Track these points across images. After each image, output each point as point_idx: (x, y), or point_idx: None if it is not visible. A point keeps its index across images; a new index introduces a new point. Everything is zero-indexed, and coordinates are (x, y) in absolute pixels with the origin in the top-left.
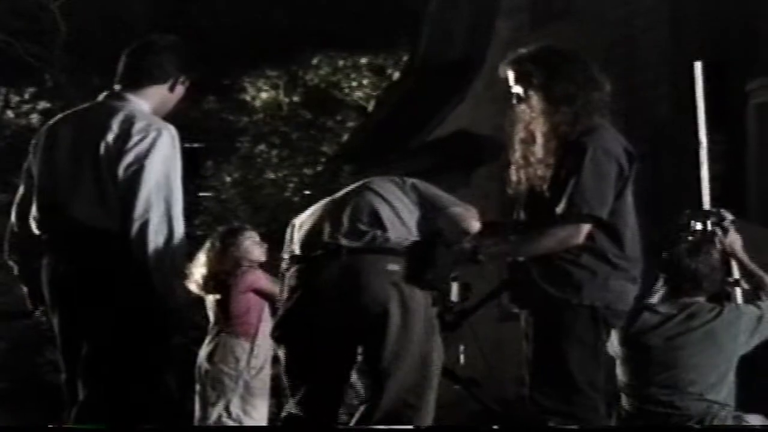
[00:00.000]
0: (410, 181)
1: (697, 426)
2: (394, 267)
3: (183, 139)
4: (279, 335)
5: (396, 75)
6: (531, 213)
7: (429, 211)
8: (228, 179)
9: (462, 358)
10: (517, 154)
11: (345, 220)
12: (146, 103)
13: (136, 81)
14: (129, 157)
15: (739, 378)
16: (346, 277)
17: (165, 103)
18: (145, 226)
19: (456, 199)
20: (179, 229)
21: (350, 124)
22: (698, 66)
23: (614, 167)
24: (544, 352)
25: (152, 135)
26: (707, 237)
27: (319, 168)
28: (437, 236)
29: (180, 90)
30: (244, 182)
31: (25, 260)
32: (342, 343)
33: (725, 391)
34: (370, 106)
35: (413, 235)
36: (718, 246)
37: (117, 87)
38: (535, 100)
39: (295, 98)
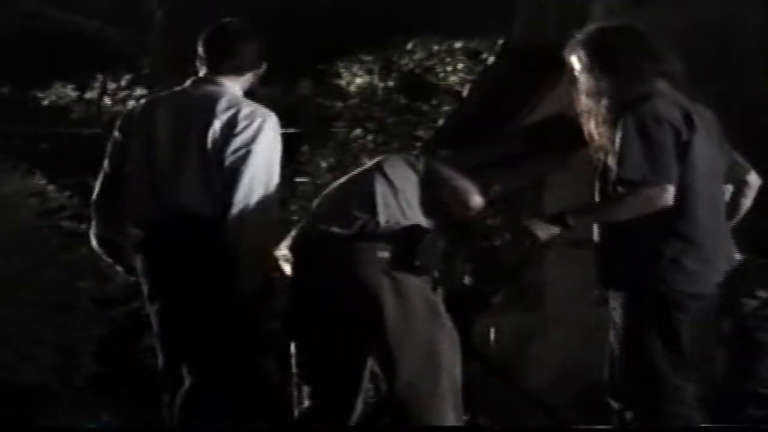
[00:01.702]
0: (424, 158)
1: None
2: (384, 254)
3: (280, 125)
4: (287, 329)
5: (490, 59)
6: (603, 191)
7: (433, 186)
8: (323, 164)
9: (492, 340)
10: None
11: (343, 204)
12: (239, 89)
13: (234, 67)
14: (236, 143)
15: None
16: (339, 267)
17: (249, 86)
18: (244, 211)
19: (460, 175)
20: (275, 215)
21: (445, 108)
22: None
23: (666, 131)
24: (621, 338)
25: (258, 121)
26: None
27: (415, 152)
28: (438, 215)
29: (260, 74)
30: (340, 167)
31: (113, 241)
32: (347, 335)
33: None
34: (465, 91)
35: (409, 219)
36: None
37: (206, 71)
38: (583, 79)
39: (390, 83)
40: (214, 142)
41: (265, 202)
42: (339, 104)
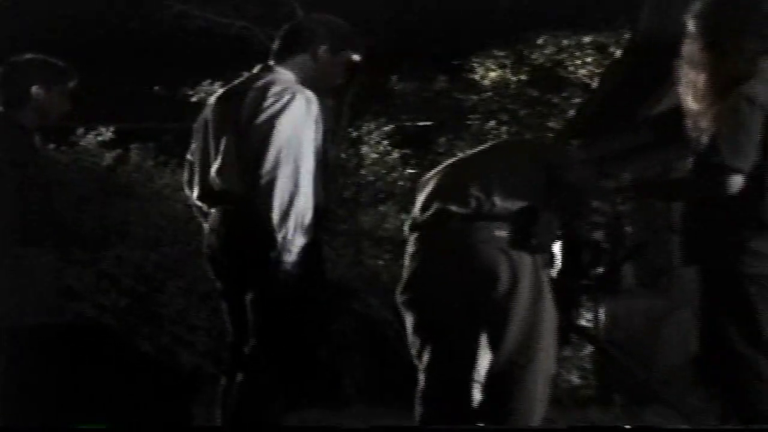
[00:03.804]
0: (561, 148)
1: None
2: (501, 233)
3: (416, 117)
4: (404, 300)
5: (618, 53)
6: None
7: (557, 174)
8: (460, 155)
9: (602, 320)
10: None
11: (460, 184)
12: (290, 73)
13: (282, 52)
14: (262, 117)
15: None
16: (457, 245)
17: (312, 72)
18: (270, 184)
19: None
20: (306, 191)
21: (575, 100)
22: None
23: (756, 116)
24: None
25: (286, 97)
26: None
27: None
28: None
29: (328, 60)
30: None
31: None
32: (463, 312)
33: None
34: (594, 83)
35: (522, 200)
36: None
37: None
38: (688, 48)
39: (522, 77)
40: (244, 118)
41: (294, 177)
42: (474, 97)
